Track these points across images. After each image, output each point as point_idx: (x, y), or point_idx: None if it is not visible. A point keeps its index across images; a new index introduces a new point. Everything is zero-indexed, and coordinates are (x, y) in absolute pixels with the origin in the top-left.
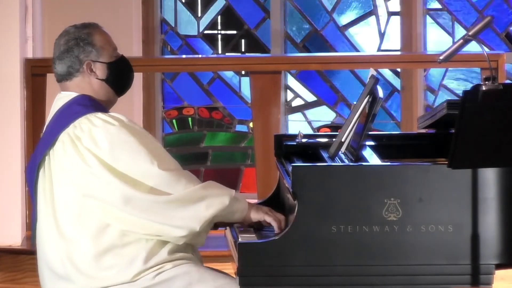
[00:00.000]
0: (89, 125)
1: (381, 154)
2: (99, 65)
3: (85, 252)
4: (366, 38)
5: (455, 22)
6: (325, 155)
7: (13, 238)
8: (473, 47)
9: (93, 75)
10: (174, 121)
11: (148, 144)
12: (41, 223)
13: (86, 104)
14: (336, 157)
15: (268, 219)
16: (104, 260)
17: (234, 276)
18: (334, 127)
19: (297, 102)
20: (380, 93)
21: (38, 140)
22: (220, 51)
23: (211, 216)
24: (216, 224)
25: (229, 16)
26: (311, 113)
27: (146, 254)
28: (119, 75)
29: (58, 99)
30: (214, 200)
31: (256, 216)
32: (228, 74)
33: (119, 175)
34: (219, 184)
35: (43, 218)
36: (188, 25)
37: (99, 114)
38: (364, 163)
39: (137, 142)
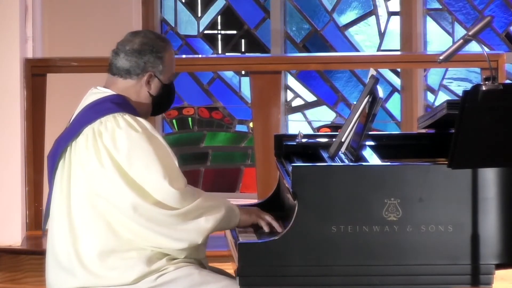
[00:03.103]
0: (114, 124)
1: (381, 154)
2: (156, 81)
3: (92, 249)
4: (366, 38)
5: (455, 22)
6: (325, 155)
7: (13, 238)
8: (473, 47)
9: (147, 87)
10: (174, 121)
11: (164, 158)
12: (54, 213)
13: (119, 103)
14: (336, 157)
15: (261, 223)
16: (109, 260)
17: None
18: (334, 127)
19: (297, 102)
20: (380, 93)
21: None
22: (220, 51)
23: (211, 228)
24: None
25: (229, 16)
26: (311, 113)
27: (149, 259)
28: (166, 99)
29: (92, 93)
30: (213, 213)
31: (248, 219)
32: (228, 74)
33: (129, 182)
34: (214, 195)
35: (57, 208)
36: (188, 25)
37: (126, 116)
38: (364, 163)
39: (154, 154)
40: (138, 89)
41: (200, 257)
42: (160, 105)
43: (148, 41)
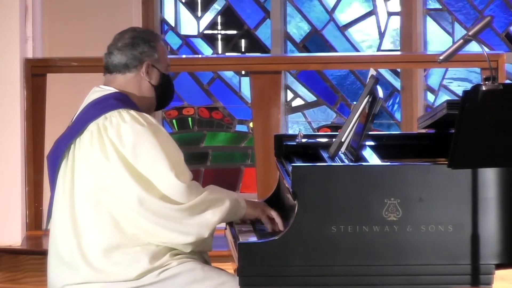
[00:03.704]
0: (119, 119)
1: (381, 154)
2: (155, 71)
3: (95, 245)
4: (366, 38)
5: (455, 22)
6: (325, 155)
7: (13, 238)
8: (473, 47)
9: (147, 77)
10: (174, 121)
11: (170, 152)
12: (56, 210)
13: (122, 100)
14: (336, 157)
15: (264, 220)
16: (112, 255)
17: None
18: (334, 127)
19: (297, 102)
20: (380, 93)
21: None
22: (220, 51)
23: (218, 221)
24: None
25: (229, 16)
26: (311, 113)
27: (153, 255)
28: (167, 90)
29: (94, 92)
30: (219, 206)
31: (253, 213)
32: (228, 74)
33: (135, 175)
34: (220, 188)
35: (60, 205)
36: (188, 25)
37: (131, 111)
38: (364, 163)
39: (160, 147)
40: (139, 81)
41: (206, 249)
42: (164, 95)
43: (138, 34)
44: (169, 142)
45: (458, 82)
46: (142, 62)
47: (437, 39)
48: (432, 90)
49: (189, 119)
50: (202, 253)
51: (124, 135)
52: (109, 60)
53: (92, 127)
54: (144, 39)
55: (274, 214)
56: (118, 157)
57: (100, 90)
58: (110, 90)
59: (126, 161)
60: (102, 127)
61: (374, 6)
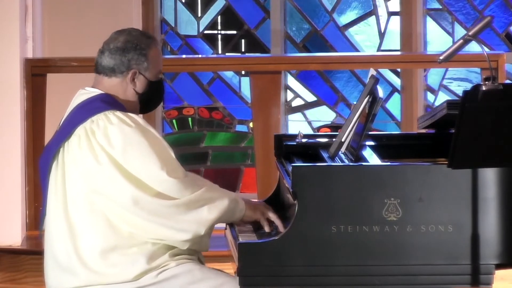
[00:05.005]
0: (106, 122)
1: (381, 154)
2: (142, 79)
3: (92, 247)
4: (366, 38)
5: (455, 22)
6: (325, 155)
7: (13, 238)
8: (473, 47)
9: (132, 84)
10: (174, 121)
11: (160, 150)
12: (50, 215)
13: (108, 102)
14: (336, 157)
15: (263, 222)
16: (110, 257)
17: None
18: (334, 127)
19: (297, 102)
20: (380, 93)
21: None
22: (220, 51)
23: (214, 219)
24: None
25: (229, 16)
26: (311, 113)
27: (150, 256)
28: (153, 96)
29: (80, 94)
30: (216, 204)
31: (252, 215)
32: (228, 74)
33: (128, 176)
34: (219, 187)
35: (53, 210)
36: (188, 25)
37: (117, 113)
38: (364, 163)
39: (149, 146)
40: (124, 87)
41: (203, 249)
42: (148, 102)
43: (132, 39)
44: (158, 140)
45: (458, 82)
46: (129, 69)
47: (437, 39)
48: (432, 90)
49: (189, 119)
50: (198, 253)
51: (113, 137)
52: (99, 60)
53: (80, 131)
54: (136, 46)
55: (273, 216)
56: (109, 159)
57: (85, 92)
58: (95, 92)
59: (117, 163)
60: (89, 131)
61: (374, 6)
